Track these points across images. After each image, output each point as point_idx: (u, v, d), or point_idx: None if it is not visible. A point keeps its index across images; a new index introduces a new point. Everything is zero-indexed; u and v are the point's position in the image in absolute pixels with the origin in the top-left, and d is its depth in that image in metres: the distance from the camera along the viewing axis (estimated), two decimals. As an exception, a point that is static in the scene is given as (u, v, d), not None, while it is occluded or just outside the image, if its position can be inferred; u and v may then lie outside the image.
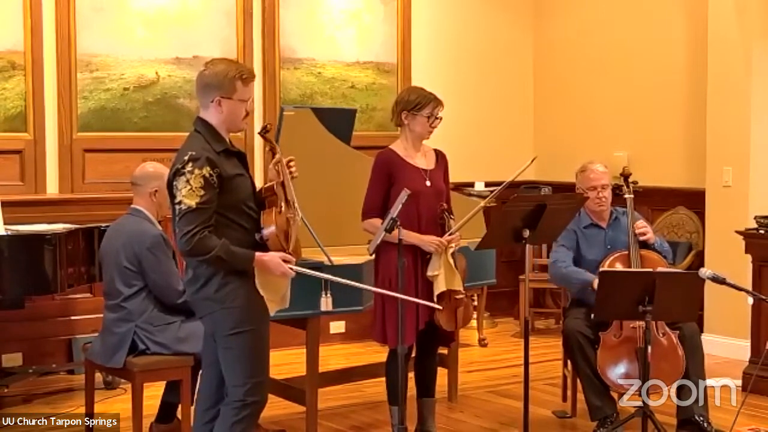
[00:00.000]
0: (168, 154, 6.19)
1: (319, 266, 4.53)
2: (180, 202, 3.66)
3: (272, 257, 3.78)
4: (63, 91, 6.49)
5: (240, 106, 3.81)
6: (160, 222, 4.93)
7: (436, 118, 4.78)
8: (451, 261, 4.75)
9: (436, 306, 4.57)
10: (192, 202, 3.64)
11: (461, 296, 4.79)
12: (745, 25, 6.71)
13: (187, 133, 3.90)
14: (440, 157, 4.93)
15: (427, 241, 4.70)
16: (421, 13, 7.89)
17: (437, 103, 4.78)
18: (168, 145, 6.43)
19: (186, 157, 3.67)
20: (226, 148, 3.79)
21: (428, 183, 4.78)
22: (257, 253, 3.77)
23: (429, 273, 4.73)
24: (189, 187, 3.64)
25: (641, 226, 5.17)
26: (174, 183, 3.70)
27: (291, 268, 3.80)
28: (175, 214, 3.70)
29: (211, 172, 3.66)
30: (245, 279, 3.77)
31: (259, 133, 4.08)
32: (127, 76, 6.73)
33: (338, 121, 5.71)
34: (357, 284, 4.45)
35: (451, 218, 4.79)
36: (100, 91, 6.64)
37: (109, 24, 6.65)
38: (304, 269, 3.94)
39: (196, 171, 3.64)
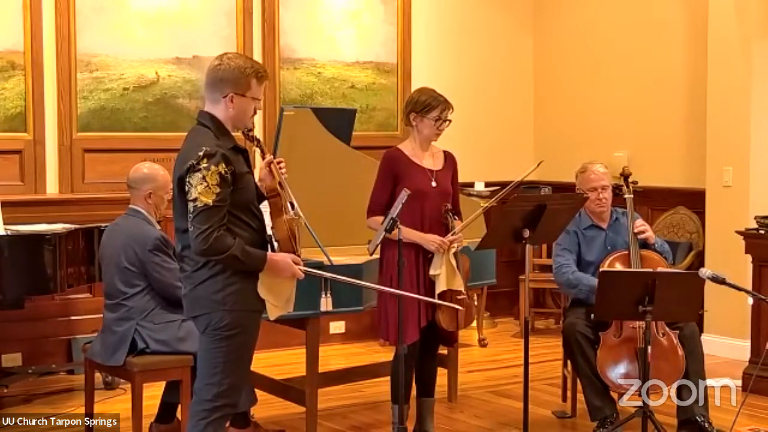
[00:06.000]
0: (167, 154, 6.23)
1: (318, 266, 4.53)
2: (195, 200, 3.53)
3: (284, 258, 3.72)
4: (63, 91, 6.49)
5: (251, 104, 3.72)
6: (159, 222, 4.93)
7: (444, 121, 4.78)
8: (453, 261, 4.76)
9: (457, 306, 4.56)
10: (209, 200, 3.52)
11: (462, 297, 4.79)
12: (745, 25, 6.71)
13: (186, 133, 3.82)
14: (449, 158, 4.92)
15: (428, 239, 4.71)
16: (421, 13, 7.89)
17: (446, 105, 4.77)
18: (168, 145, 6.44)
19: (200, 153, 3.53)
20: (235, 145, 3.70)
21: (434, 183, 4.78)
22: (269, 254, 3.70)
23: (431, 272, 4.74)
24: (205, 184, 3.52)
25: (640, 224, 5.16)
26: (188, 179, 3.56)
27: (300, 269, 3.75)
28: (189, 212, 3.56)
29: (226, 169, 3.55)
30: (248, 281, 3.67)
31: (243, 133, 3.84)
32: (127, 76, 6.72)
33: (338, 121, 5.70)
34: (365, 283, 4.45)
35: (454, 219, 4.80)
36: (100, 91, 6.64)
37: (109, 24, 6.65)
38: (312, 270, 3.91)
39: (212, 167, 3.53)
